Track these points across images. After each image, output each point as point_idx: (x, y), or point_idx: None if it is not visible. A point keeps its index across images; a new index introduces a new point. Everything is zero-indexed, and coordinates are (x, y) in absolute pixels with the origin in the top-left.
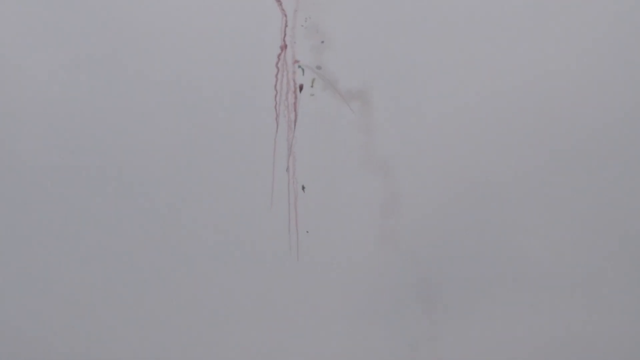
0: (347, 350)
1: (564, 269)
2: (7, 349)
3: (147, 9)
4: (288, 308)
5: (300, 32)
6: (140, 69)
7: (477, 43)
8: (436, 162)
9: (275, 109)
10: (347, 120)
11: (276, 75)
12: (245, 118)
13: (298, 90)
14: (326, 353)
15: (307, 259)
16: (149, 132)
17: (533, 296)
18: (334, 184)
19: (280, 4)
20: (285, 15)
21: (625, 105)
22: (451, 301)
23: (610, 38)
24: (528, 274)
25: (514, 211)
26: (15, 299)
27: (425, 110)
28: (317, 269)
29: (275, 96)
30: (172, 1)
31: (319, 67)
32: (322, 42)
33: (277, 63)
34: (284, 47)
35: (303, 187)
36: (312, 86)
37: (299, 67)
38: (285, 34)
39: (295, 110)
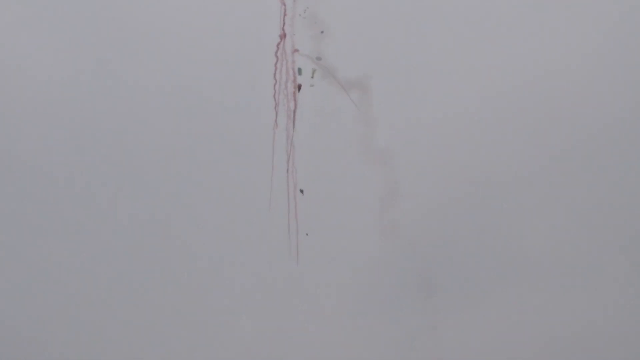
0: (349, 342)
1: (562, 259)
2: (6, 349)
3: (147, 2)
4: (289, 303)
5: (299, 22)
6: (139, 61)
7: (478, 33)
8: (436, 153)
9: (275, 98)
10: (347, 113)
11: (275, 64)
12: (244, 109)
13: (297, 85)
14: (328, 344)
15: (309, 252)
16: (149, 132)
17: (532, 285)
18: (333, 178)
19: None
20: (284, 5)
21: (626, 105)
22: (451, 292)
23: (610, 38)
24: (526, 263)
25: (514, 203)
26: (16, 299)
27: (425, 100)
28: (318, 263)
29: (275, 85)
30: None
31: (318, 58)
32: (322, 32)
33: (276, 52)
34: (283, 36)
35: (302, 190)
36: (312, 77)
37: (297, 68)
38: (284, 23)
39: (295, 99)
